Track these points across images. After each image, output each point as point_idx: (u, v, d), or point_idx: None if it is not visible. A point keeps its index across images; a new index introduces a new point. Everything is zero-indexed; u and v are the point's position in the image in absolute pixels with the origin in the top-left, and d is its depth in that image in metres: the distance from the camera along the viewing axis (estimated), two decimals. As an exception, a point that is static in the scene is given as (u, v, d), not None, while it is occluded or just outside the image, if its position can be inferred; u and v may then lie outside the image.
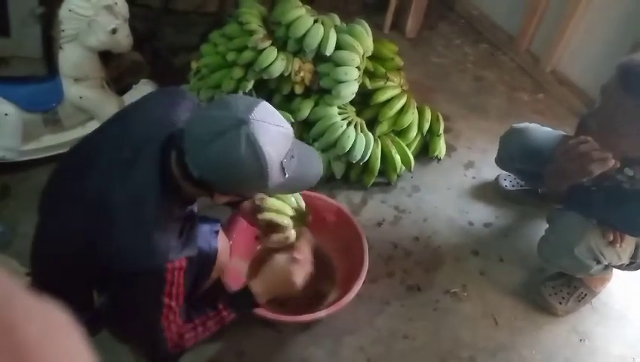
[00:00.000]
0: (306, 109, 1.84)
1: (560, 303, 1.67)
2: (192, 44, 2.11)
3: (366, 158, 1.85)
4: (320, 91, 1.86)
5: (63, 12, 1.65)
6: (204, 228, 1.29)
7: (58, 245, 1.08)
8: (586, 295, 1.68)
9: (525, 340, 1.62)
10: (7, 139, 1.71)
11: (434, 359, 1.55)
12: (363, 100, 1.95)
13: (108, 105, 1.83)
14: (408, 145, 1.98)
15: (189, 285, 1.10)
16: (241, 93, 1.80)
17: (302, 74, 1.81)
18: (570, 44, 2.32)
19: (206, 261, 1.27)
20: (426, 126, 2.02)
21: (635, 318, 1.72)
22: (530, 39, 2.51)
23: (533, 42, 2.52)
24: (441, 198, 1.98)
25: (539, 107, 2.41)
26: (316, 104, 1.85)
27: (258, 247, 1.64)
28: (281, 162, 0.99)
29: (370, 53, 1.90)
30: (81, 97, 1.76)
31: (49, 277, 1.16)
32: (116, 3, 1.72)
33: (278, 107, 1.83)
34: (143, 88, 1.91)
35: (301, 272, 1.26)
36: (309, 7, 1.87)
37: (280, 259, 1.27)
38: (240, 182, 0.99)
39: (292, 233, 1.32)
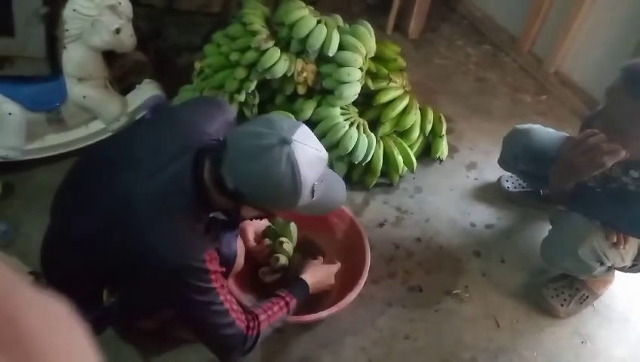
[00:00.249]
0: (308, 110, 1.84)
1: (562, 305, 1.67)
2: (196, 45, 2.12)
3: (368, 159, 1.86)
4: (323, 92, 1.86)
5: (67, 12, 1.66)
6: (227, 232, 1.31)
7: (76, 245, 1.09)
8: (588, 297, 1.68)
9: (527, 342, 1.62)
10: (10, 139, 1.71)
11: (435, 360, 1.55)
12: (365, 101, 1.95)
13: (111, 105, 1.84)
14: (410, 146, 1.98)
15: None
16: (244, 93, 1.81)
17: (305, 74, 1.81)
18: (573, 46, 2.32)
19: (226, 263, 1.28)
20: (429, 127, 2.02)
21: (637, 320, 1.72)
22: (533, 40, 2.51)
23: (536, 43, 2.52)
24: (443, 199, 1.98)
25: (542, 108, 2.41)
26: (319, 105, 1.86)
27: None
28: (313, 185, 1.04)
29: (372, 54, 1.90)
30: (84, 97, 1.76)
31: (58, 275, 1.17)
32: (120, 3, 1.72)
33: (280, 108, 1.86)
34: (146, 88, 1.91)
35: (335, 270, 1.49)
36: (312, 8, 1.87)
37: (322, 264, 1.50)
38: (273, 198, 1.04)
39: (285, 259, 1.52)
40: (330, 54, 1.79)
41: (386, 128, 1.95)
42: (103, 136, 1.80)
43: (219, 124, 1.18)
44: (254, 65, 1.76)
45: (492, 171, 2.05)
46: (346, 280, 1.57)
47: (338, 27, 1.86)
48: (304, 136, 1.02)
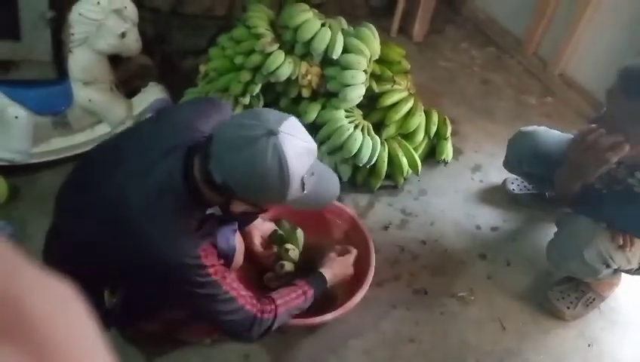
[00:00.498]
0: (312, 112, 1.84)
1: (568, 308, 1.66)
2: (201, 48, 2.13)
3: (373, 161, 1.86)
4: (327, 94, 1.87)
5: (73, 16, 1.67)
6: (224, 227, 1.31)
7: (78, 244, 1.10)
8: (594, 299, 1.67)
9: (532, 345, 1.61)
10: (17, 142, 1.72)
11: (440, 363, 1.54)
12: (370, 103, 1.95)
13: (116, 108, 1.85)
14: (415, 149, 1.98)
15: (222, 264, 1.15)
16: (248, 96, 1.81)
17: (309, 77, 1.81)
18: (578, 48, 2.32)
19: (224, 259, 1.28)
20: (433, 129, 2.02)
21: (644, 323, 1.70)
22: (538, 42, 2.51)
23: (541, 45, 2.51)
24: (448, 202, 1.97)
25: (546, 110, 2.40)
26: (323, 107, 1.86)
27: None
28: (302, 177, 1.03)
29: (377, 57, 1.90)
30: (90, 100, 1.77)
31: (60, 275, 1.18)
32: (125, 7, 1.73)
33: (285, 110, 1.85)
34: (151, 91, 1.92)
35: (352, 259, 1.50)
36: (316, 10, 1.88)
37: (338, 255, 1.49)
38: (261, 191, 1.03)
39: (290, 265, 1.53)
40: (335, 57, 1.79)
41: (390, 131, 1.94)
42: (109, 140, 1.81)
43: (214, 121, 1.16)
44: (259, 69, 1.76)
45: (497, 173, 2.04)
46: (350, 283, 1.57)
47: (342, 30, 1.86)
48: (292, 128, 1.00)
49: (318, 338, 1.54)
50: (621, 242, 1.45)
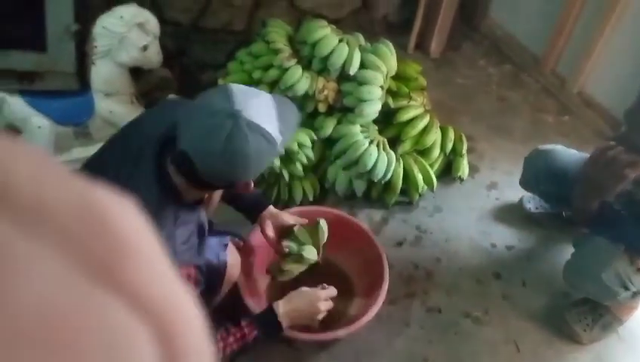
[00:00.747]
0: (328, 127, 1.85)
1: (585, 331, 1.63)
2: (220, 62, 2.15)
3: (388, 177, 1.85)
4: (343, 109, 1.88)
5: (97, 29, 1.71)
6: (212, 241, 1.28)
7: None
8: (612, 323, 1.64)
9: (548, 367, 1.58)
10: (38, 151, 1.76)
11: (453, 383, 1.52)
12: (386, 119, 1.96)
13: (136, 120, 1.87)
14: (431, 165, 1.98)
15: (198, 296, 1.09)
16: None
17: (325, 92, 1.83)
18: (597, 66, 2.30)
19: (215, 274, 1.26)
20: (449, 146, 2.02)
21: (663, 349, 1.67)
22: (556, 60, 2.50)
23: (559, 63, 2.50)
24: (463, 219, 1.96)
25: (564, 129, 2.38)
26: (339, 122, 1.87)
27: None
28: (278, 127, 1.03)
29: (393, 73, 1.91)
30: (111, 112, 1.81)
31: None
32: (148, 21, 1.77)
33: (301, 124, 1.87)
34: (170, 104, 1.95)
35: (326, 304, 1.30)
36: (334, 26, 1.90)
37: (308, 288, 1.31)
38: (251, 168, 1.03)
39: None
40: (352, 73, 1.80)
41: (406, 146, 1.94)
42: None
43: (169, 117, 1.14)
44: (276, 83, 1.78)
45: (513, 191, 2.03)
46: (363, 299, 1.56)
47: (360, 46, 1.88)
48: (244, 99, 0.98)
49: (329, 354, 1.53)
50: (640, 265, 1.43)
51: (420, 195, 1.96)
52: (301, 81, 1.77)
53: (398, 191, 1.90)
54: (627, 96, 2.18)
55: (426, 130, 1.96)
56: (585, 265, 1.49)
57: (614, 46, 2.20)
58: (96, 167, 1.11)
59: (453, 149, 2.04)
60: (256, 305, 1.39)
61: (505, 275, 1.80)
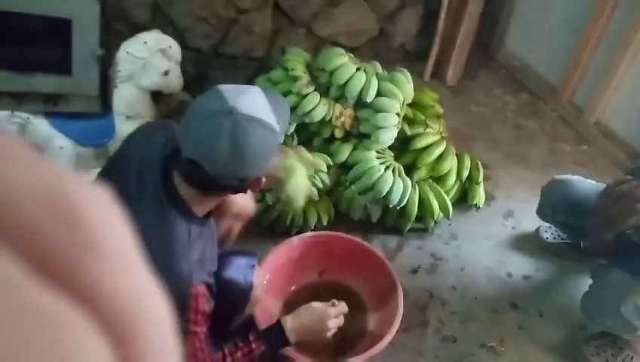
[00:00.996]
0: (344, 153, 1.86)
1: (604, 365, 1.59)
2: (238, 87, 2.19)
3: (403, 203, 1.85)
4: (359, 136, 1.89)
5: (121, 54, 1.76)
6: (241, 262, 1.30)
7: None
8: (632, 358, 1.60)
9: (566, 402, 1.54)
10: (60, 171, 1.79)
11: (468, 416, 1.49)
12: (402, 146, 1.97)
13: (155, 142, 1.91)
14: (447, 192, 1.97)
15: (209, 312, 1.08)
16: (283, 135, 1.85)
17: (342, 119, 1.85)
18: (615, 96, 2.29)
19: (241, 295, 1.27)
20: (465, 173, 2.01)
21: (686, 386, 1.61)
22: (573, 90, 2.50)
23: (576, 93, 2.50)
24: (479, 247, 1.94)
25: (581, 159, 2.37)
26: (355, 148, 1.88)
27: (292, 288, 1.65)
28: (274, 118, 1.05)
29: (410, 101, 1.93)
30: (131, 134, 1.84)
31: None
32: (170, 47, 1.82)
33: (318, 150, 1.89)
34: (189, 127, 1.99)
35: (335, 321, 1.26)
36: (351, 55, 1.93)
37: (318, 303, 1.28)
38: (258, 159, 1.04)
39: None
40: (369, 100, 1.82)
41: (421, 173, 1.95)
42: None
43: (164, 136, 1.16)
44: (295, 109, 1.81)
45: (530, 221, 2.01)
46: (377, 327, 1.54)
47: (377, 74, 1.90)
48: (236, 94, 1.01)
49: (342, 381, 1.51)
50: (661, 298, 1.40)
51: (435, 222, 1.95)
52: (318, 107, 1.80)
53: (414, 217, 1.90)
54: (645, 127, 2.17)
55: (442, 157, 1.97)
56: (603, 298, 1.46)
57: (632, 76, 2.20)
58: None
59: (470, 177, 2.03)
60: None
61: (521, 305, 1.77)
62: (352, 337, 1.56)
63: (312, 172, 1.56)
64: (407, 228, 1.92)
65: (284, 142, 1.78)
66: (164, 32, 1.88)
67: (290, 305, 1.53)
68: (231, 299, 1.24)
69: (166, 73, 1.81)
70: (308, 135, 1.93)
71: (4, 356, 0.14)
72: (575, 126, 2.50)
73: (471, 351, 1.63)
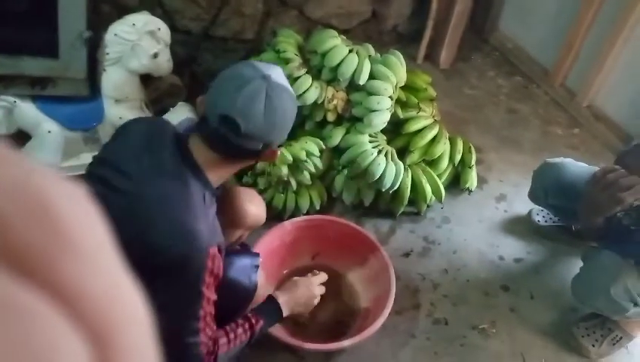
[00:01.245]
0: (337, 136, 1.85)
1: (593, 346, 1.61)
2: (229, 70, 2.17)
3: (396, 187, 1.85)
4: (352, 119, 1.88)
5: (109, 36, 1.72)
6: (245, 262, 1.32)
7: None
8: (621, 338, 1.62)
9: (556, 382, 1.56)
10: (48, 156, 1.77)
11: (459, 397, 1.50)
12: (394, 129, 1.96)
13: (145, 126, 1.88)
14: (439, 176, 1.97)
15: (220, 279, 1.09)
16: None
17: (335, 102, 1.83)
18: (607, 79, 2.29)
19: (245, 295, 1.29)
20: (458, 157, 2.01)
21: (674, 366, 1.64)
22: (566, 73, 2.49)
23: (569, 76, 2.49)
24: (471, 231, 1.95)
25: (573, 142, 2.37)
26: (347, 131, 1.87)
27: (285, 272, 1.65)
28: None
29: (403, 84, 1.92)
30: (120, 118, 1.81)
31: None
32: (159, 29, 1.79)
33: (310, 133, 1.88)
34: (180, 110, 1.96)
35: (320, 288, 1.38)
36: (344, 37, 1.90)
37: (300, 277, 1.39)
38: (285, 125, 1.15)
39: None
40: (361, 83, 1.81)
41: (414, 157, 1.94)
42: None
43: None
44: (286, 92, 1.78)
45: (522, 204, 2.01)
46: (369, 310, 1.55)
47: (369, 56, 1.88)
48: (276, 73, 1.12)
49: (335, 364, 1.52)
50: (650, 280, 1.41)
51: (428, 206, 1.95)
52: (310, 90, 1.78)
53: (406, 201, 1.90)
54: (637, 110, 2.17)
55: (434, 141, 1.96)
56: (593, 280, 1.48)
57: (624, 60, 2.20)
58: (110, 161, 1.14)
59: (462, 160, 2.03)
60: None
61: (513, 288, 1.78)
62: (345, 320, 1.57)
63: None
64: (400, 212, 1.92)
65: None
66: (153, 13, 1.84)
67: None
68: (235, 299, 1.26)
69: (155, 56, 1.78)
70: (300, 118, 1.92)
71: None
72: (567, 109, 2.50)
73: (462, 333, 1.64)
